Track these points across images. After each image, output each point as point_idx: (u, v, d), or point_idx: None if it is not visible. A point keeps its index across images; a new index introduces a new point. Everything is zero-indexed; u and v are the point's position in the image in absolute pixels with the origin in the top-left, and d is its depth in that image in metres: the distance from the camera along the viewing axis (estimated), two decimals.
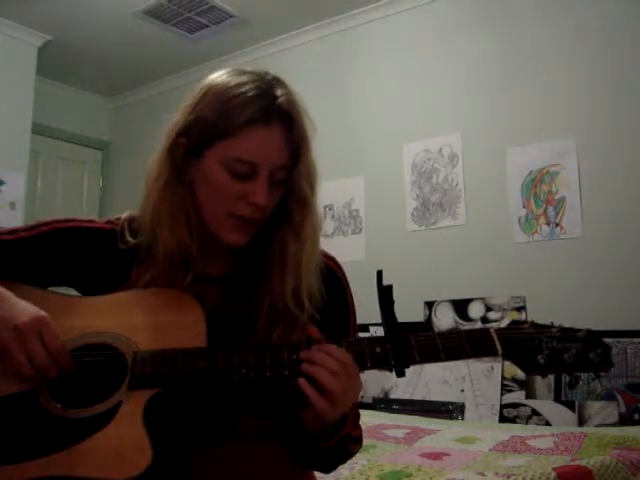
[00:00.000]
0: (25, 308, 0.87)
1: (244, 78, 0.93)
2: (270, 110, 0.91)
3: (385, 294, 0.90)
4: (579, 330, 0.89)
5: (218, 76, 0.96)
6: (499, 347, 0.88)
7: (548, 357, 0.87)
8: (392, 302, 0.90)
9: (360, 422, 1.05)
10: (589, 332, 0.89)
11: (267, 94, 0.92)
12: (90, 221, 1.04)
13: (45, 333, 0.86)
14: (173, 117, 0.97)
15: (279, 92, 0.93)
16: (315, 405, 0.84)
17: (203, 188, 0.94)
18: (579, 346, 0.87)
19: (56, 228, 1.01)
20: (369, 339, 0.90)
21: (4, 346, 0.85)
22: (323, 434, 0.90)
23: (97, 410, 0.84)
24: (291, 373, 0.86)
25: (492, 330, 0.90)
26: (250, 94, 0.91)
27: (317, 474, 1.07)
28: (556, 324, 0.91)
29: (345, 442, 0.95)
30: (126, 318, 0.92)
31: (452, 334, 0.91)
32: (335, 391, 0.83)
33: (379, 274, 0.91)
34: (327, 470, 1.02)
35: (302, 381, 0.84)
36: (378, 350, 0.88)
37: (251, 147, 0.90)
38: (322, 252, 1.04)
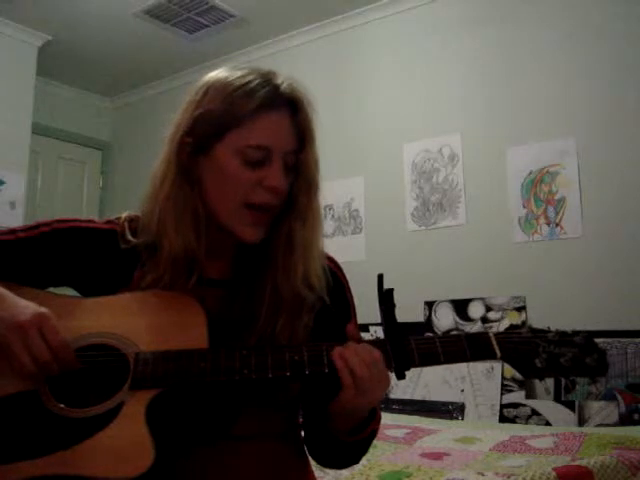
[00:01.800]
0: (25, 306, 0.87)
1: (243, 72, 0.96)
2: (276, 96, 0.93)
3: (386, 297, 0.90)
4: (576, 334, 0.90)
5: (216, 73, 0.98)
6: (498, 351, 0.89)
7: (545, 361, 0.88)
8: (393, 305, 0.90)
9: None
10: (585, 337, 0.90)
11: (270, 82, 0.94)
12: (90, 221, 1.03)
13: (46, 329, 0.86)
14: (174, 118, 0.98)
15: (280, 80, 0.96)
16: (344, 389, 0.85)
17: (216, 182, 0.94)
18: (575, 351, 0.89)
19: (56, 228, 1.00)
20: (370, 342, 0.90)
21: (6, 344, 0.85)
22: (350, 427, 0.92)
23: (99, 410, 0.84)
24: (293, 374, 0.86)
25: (491, 334, 0.91)
26: (254, 83, 0.93)
27: (316, 474, 1.07)
28: (554, 327, 0.93)
29: (371, 438, 0.98)
30: (127, 319, 0.92)
31: (452, 337, 0.92)
32: (364, 379, 0.84)
33: (380, 277, 0.91)
34: (349, 464, 1.05)
35: (339, 363, 0.85)
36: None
37: (263, 133, 0.92)
38: None
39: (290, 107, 0.95)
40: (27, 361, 0.84)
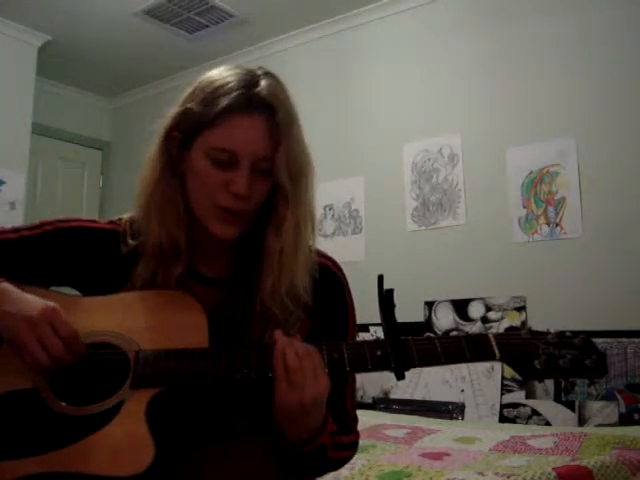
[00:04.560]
0: (34, 301, 0.88)
1: (233, 72, 0.95)
2: (250, 99, 0.91)
3: (386, 298, 0.90)
4: (575, 336, 0.90)
5: (210, 72, 0.98)
6: (497, 352, 0.89)
7: (545, 362, 0.88)
8: (393, 306, 0.90)
9: (359, 425, 1.05)
10: (584, 339, 0.90)
11: (250, 84, 0.93)
12: (93, 221, 1.04)
13: (57, 322, 0.86)
14: (168, 112, 0.99)
15: (263, 83, 0.93)
16: (276, 380, 0.84)
17: (191, 179, 0.96)
18: (575, 352, 0.89)
19: (59, 227, 1.01)
20: (370, 342, 0.90)
21: (17, 339, 0.85)
22: (296, 436, 0.89)
23: (100, 408, 0.84)
24: None
25: (491, 335, 0.91)
26: (232, 84, 0.92)
27: None
28: (554, 327, 0.93)
29: (321, 452, 0.93)
30: (128, 318, 0.92)
31: (451, 338, 0.92)
32: (296, 371, 0.84)
33: (380, 278, 0.91)
34: (312, 475, 1.00)
35: (277, 352, 0.85)
36: (379, 353, 0.89)
37: (230, 135, 0.91)
38: (319, 252, 1.05)
39: (266, 111, 0.92)
40: (41, 355, 0.85)
